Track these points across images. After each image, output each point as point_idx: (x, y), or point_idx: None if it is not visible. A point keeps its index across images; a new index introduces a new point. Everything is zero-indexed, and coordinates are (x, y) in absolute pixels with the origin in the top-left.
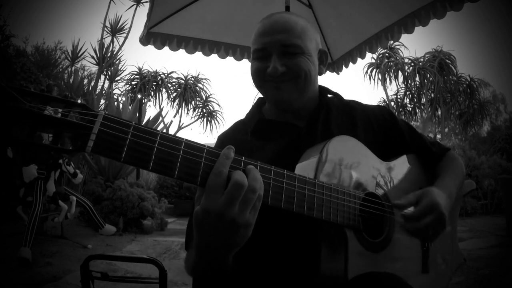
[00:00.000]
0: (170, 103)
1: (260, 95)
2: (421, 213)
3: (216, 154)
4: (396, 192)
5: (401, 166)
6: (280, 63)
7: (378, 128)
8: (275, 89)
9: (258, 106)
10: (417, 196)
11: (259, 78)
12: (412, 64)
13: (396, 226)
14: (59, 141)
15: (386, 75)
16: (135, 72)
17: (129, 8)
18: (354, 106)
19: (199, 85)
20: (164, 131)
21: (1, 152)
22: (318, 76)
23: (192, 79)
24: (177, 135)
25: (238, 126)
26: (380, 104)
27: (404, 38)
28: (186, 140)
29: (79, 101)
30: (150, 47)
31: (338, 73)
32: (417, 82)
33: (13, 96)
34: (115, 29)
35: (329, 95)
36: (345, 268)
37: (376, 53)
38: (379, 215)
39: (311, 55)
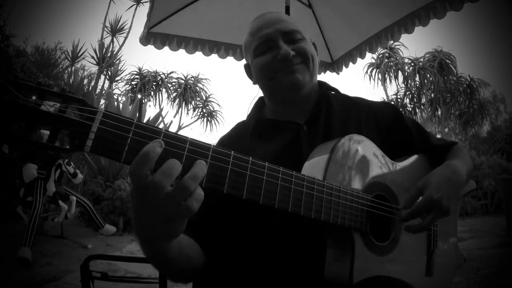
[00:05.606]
0: (170, 103)
1: (260, 95)
2: (416, 207)
3: (223, 153)
4: (406, 193)
5: (411, 166)
6: (289, 48)
7: (383, 126)
8: (290, 74)
9: (258, 106)
10: (418, 189)
11: (270, 69)
12: (412, 64)
13: (403, 228)
14: (57, 139)
15: (386, 75)
16: (135, 72)
17: (129, 8)
18: (357, 102)
19: (199, 85)
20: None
21: None
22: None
23: (192, 79)
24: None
25: (239, 127)
26: (386, 101)
27: (404, 38)
28: (191, 139)
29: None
30: (150, 47)
31: (338, 73)
32: (417, 82)
33: (7, 89)
34: (115, 29)
35: (330, 91)
36: (350, 272)
37: (376, 53)
38: (387, 218)
39: (310, 42)
